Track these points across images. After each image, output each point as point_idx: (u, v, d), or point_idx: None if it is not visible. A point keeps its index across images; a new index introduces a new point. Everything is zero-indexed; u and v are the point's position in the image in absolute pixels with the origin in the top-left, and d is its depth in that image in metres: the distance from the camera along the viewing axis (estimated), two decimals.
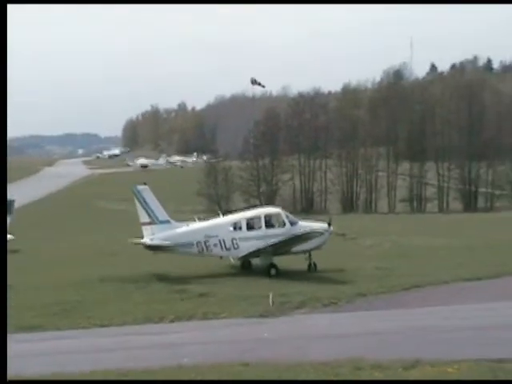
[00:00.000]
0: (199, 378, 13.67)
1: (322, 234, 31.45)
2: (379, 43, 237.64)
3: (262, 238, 31.24)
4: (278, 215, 32.35)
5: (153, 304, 24.16)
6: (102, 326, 21.26)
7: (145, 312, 22.76)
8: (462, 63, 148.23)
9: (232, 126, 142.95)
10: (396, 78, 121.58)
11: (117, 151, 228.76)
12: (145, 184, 32.87)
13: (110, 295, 26.24)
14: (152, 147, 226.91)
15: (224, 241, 31.41)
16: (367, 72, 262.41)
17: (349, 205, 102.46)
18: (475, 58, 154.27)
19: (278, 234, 31.27)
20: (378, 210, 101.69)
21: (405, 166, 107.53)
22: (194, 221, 33.45)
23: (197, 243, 31.25)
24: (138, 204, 31.95)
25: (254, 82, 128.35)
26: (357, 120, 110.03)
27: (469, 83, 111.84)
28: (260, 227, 31.68)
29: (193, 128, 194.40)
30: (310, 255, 31.56)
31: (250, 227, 31.78)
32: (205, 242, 31.28)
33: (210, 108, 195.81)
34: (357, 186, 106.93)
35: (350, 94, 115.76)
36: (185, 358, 15.81)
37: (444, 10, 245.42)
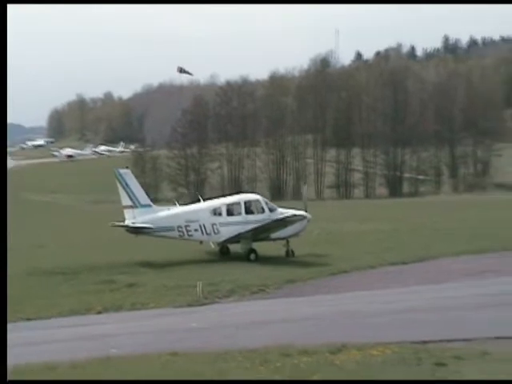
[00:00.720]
0: (126, 367, 13.56)
1: (302, 219, 32.13)
2: (306, 31, 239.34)
3: (242, 223, 31.92)
4: (257, 202, 33.08)
5: (80, 296, 23.86)
6: (29, 319, 20.88)
7: (72, 304, 22.45)
8: (386, 51, 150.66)
9: (160, 114, 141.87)
10: (323, 65, 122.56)
11: (42, 141, 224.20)
12: (127, 168, 33.72)
13: (37, 288, 25.78)
14: (78, 137, 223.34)
15: (204, 226, 32.03)
16: (294, 60, 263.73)
17: (277, 192, 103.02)
18: (399, 46, 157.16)
19: (257, 219, 31.99)
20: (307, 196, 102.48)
21: (332, 153, 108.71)
22: (175, 205, 34.13)
23: (178, 227, 31.82)
24: (120, 187, 32.37)
25: (181, 70, 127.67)
26: (284, 108, 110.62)
27: (393, 71, 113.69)
28: (240, 213, 32.36)
29: (120, 117, 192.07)
30: (287, 242, 32.23)
31: (230, 213, 32.47)
32: (186, 227, 31.85)
33: (137, 97, 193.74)
34: (285, 173, 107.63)
35: (277, 82, 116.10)
36: (113, 349, 15.67)
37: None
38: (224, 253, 33.25)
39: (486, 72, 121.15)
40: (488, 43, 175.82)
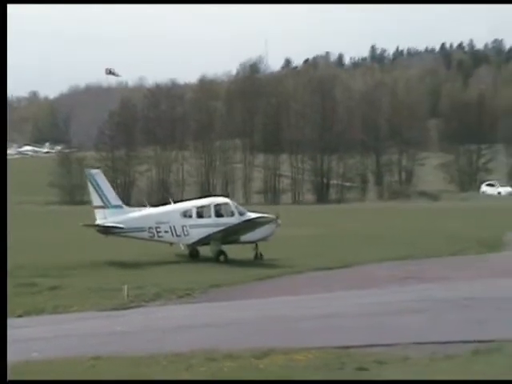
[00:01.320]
0: (48, 371, 13.31)
1: (271, 221, 32.63)
2: (236, 36, 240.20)
3: (212, 225, 32.23)
4: (226, 205, 33.58)
5: None
6: None
7: None
8: (314, 58, 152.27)
9: (87, 116, 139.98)
10: (252, 71, 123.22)
11: None
12: (98, 168, 33.82)
13: None
14: None
15: (175, 227, 32.32)
16: (224, 64, 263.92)
17: (206, 196, 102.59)
18: (327, 54, 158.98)
19: (227, 222, 32.25)
20: (235, 201, 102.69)
21: (260, 158, 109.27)
22: (146, 207, 34.54)
23: (148, 228, 32.13)
24: (90, 187, 32.88)
25: (109, 71, 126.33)
26: (213, 112, 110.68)
27: (321, 78, 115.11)
28: (210, 216, 32.67)
29: (45, 117, 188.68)
30: (256, 246, 32.58)
31: (200, 215, 32.84)
32: (156, 228, 32.18)
33: (63, 97, 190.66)
34: (214, 177, 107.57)
35: (206, 86, 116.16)
36: (34, 352, 15.35)
37: (300, 7, 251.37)
38: (193, 256, 33.47)
39: (410, 82, 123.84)
40: (413, 54, 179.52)
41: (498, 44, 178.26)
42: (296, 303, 21.62)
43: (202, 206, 33.59)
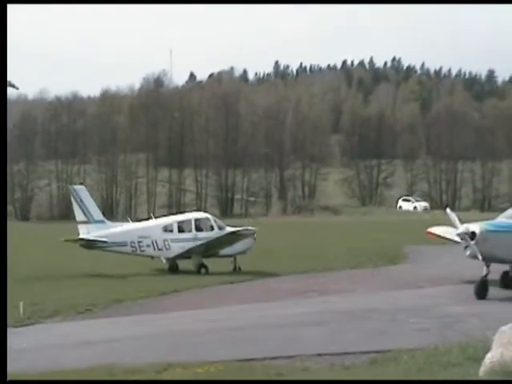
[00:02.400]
0: None
1: (252, 233, 33.68)
2: (139, 49, 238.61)
3: (193, 240, 33.51)
4: (206, 220, 34.90)
5: None
6: None
7: None
8: (219, 73, 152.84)
9: None
10: (156, 85, 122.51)
11: None
12: (81, 184, 32.50)
13: None
14: None
15: (156, 242, 33.32)
16: (127, 78, 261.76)
17: (108, 211, 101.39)
18: (232, 69, 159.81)
19: (206, 236, 33.28)
20: (139, 216, 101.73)
21: (164, 173, 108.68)
22: (128, 222, 36.12)
23: (131, 243, 33.11)
24: (74, 203, 33.91)
25: (8, 83, 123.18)
26: (116, 126, 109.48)
27: (225, 93, 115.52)
28: (190, 230, 33.85)
29: None
30: (235, 259, 33.57)
31: (180, 230, 33.99)
32: (138, 242, 33.17)
33: None
34: (117, 192, 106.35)
35: (109, 100, 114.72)
36: None
37: (205, 20, 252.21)
38: (173, 269, 34.05)
39: (313, 98, 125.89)
40: (315, 71, 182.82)
41: (396, 63, 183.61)
42: (199, 317, 21.62)
43: (183, 221, 34.69)
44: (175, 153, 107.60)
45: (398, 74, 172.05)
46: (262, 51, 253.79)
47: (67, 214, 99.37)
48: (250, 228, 34.78)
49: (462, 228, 24.00)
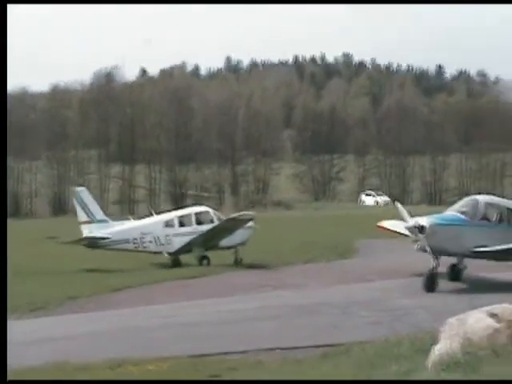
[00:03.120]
0: None
1: (250, 219, 34.39)
2: (90, 45, 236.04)
3: (193, 233, 33.97)
4: (206, 213, 35.50)
5: None
6: None
7: None
8: (171, 68, 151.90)
9: None
10: (107, 80, 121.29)
11: None
12: (82, 185, 36.87)
13: None
14: None
15: (158, 237, 33.92)
16: (77, 73, 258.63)
17: (59, 208, 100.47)
18: (184, 64, 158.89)
19: (207, 229, 33.74)
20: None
21: (116, 169, 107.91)
22: (129, 219, 36.70)
23: (133, 240, 33.74)
24: (76, 204, 34.67)
25: None
26: (67, 121, 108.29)
27: (177, 88, 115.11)
28: (191, 224, 34.45)
29: None
30: (236, 250, 34.17)
31: (181, 224, 34.59)
32: (140, 239, 33.75)
33: None
34: (67, 188, 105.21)
35: (59, 95, 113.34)
36: None
37: (156, 15, 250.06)
38: (176, 265, 34.42)
39: (266, 93, 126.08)
40: (268, 66, 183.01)
41: (347, 58, 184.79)
42: (153, 313, 21.61)
43: (183, 216, 35.43)
44: (127, 148, 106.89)
45: (349, 69, 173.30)
46: (213, 46, 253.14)
47: (18, 210, 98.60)
48: (247, 213, 36.06)
49: (411, 222, 24.42)
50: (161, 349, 15.84)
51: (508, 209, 25.76)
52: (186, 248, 34.23)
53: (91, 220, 34.16)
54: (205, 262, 33.73)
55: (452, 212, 25.61)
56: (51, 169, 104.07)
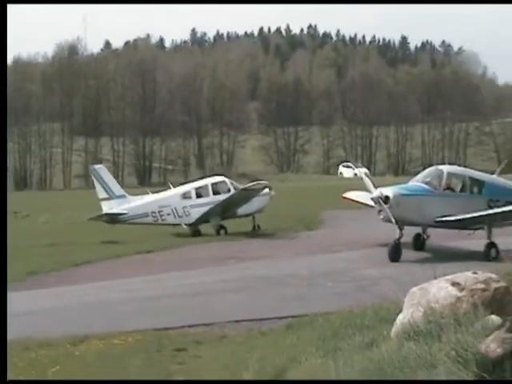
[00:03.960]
0: None
1: (264, 187, 34.83)
2: (53, 17, 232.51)
3: (211, 204, 34.58)
4: (223, 183, 36.03)
5: None
6: None
7: None
8: (135, 41, 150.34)
9: None
10: (70, 53, 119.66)
11: None
12: (100, 163, 34.62)
13: None
14: None
15: (176, 209, 34.57)
16: (39, 46, 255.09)
17: (22, 182, 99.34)
18: (148, 36, 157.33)
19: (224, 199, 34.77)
20: (54, 186, 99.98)
21: (80, 142, 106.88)
22: (147, 194, 36.79)
23: (152, 213, 34.38)
24: (95, 181, 35.12)
25: None
26: (29, 95, 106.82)
27: (142, 60, 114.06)
28: (208, 195, 35.08)
29: None
30: (253, 218, 35.36)
31: (198, 196, 35.19)
32: (159, 212, 34.40)
33: None
34: (30, 162, 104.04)
35: (21, 68, 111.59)
36: None
37: None
38: (196, 235, 34.63)
39: (230, 66, 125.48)
40: (233, 38, 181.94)
41: (312, 30, 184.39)
42: (115, 287, 21.39)
43: (200, 187, 35.95)
44: (91, 121, 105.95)
45: (314, 40, 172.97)
46: (178, 18, 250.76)
47: None
48: (262, 182, 36.15)
49: (375, 192, 24.45)
50: (125, 323, 15.67)
51: (470, 178, 25.92)
52: (204, 218, 34.77)
53: (110, 196, 34.65)
54: (222, 232, 34.41)
55: (416, 182, 25.68)
56: (13, 143, 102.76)
